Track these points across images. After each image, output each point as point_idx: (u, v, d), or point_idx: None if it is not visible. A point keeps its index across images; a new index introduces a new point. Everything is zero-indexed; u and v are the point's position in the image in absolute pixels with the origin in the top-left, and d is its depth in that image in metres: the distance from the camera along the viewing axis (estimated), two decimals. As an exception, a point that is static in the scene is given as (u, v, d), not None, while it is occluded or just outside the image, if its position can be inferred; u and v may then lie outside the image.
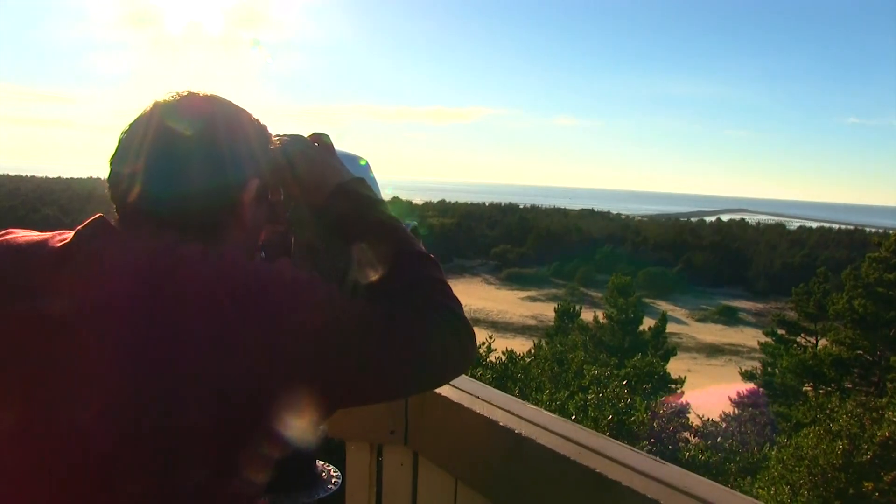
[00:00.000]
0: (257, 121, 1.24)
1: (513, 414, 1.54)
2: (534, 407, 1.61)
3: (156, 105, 1.15)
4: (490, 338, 12.95)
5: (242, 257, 1.14)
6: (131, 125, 1.15)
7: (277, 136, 1.35)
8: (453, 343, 1.18)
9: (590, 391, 14.24)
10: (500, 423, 1.50)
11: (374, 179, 1.52)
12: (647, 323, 34.94)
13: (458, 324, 1.20)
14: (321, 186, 1.35)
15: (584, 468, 1.33)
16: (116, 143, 1.16)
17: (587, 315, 37.33)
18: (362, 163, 1.56)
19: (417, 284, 1.23)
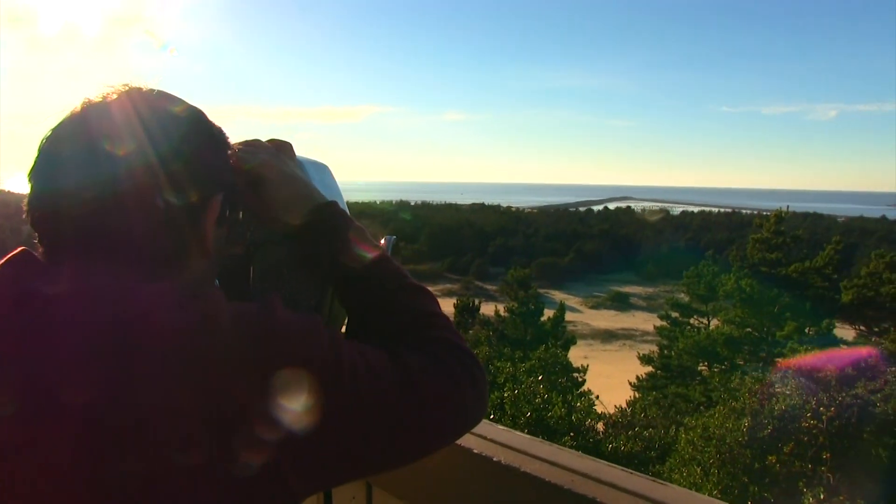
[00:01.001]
0: (212, 122, 1.05)
1: (484, 438, 1.36)
2: (503, 427, 1.44)
3: (87, 106, 0.95)
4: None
5: (221, 298, 0.90)
6: (55, 130, 0.93)
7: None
8: (474, 395, 1.04)
9: (505, 388, 14.08)
10: (475, 451, 1.32)
11: (337, 188, 1.35)
12: (546, 313, 35.25)
13: (475, 370, 1.05)
14: (292, 206, 1.16)
15: (580, 497, 1.18)
16: (36, 154, 0.93)
17: (486, 309, 37.42)
18: (323, 172, 1.34)
19: (424, 325, 1.09)
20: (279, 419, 0.82)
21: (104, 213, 0.90)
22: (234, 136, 1.12)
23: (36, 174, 0.93)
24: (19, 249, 0.92)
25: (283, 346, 0.86)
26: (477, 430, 1.33)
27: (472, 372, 1.03)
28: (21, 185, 0.95)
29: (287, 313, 0.91)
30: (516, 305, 34.66)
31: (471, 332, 31.95)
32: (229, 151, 1.07)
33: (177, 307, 0.85)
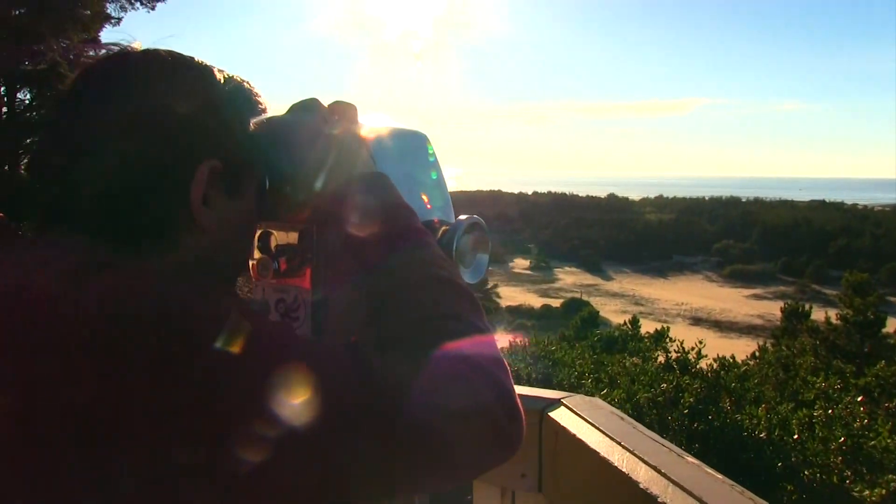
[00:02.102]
0: (233, 78, 0.97)
1: (660, 473, 1.18)
2: (694, 461, 1.25)
3: (82, 72, 0.90)
4: (700, 342, 12.57)
5: (192, 289, 0.77)
6: (61, 100, 0.90)
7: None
8: (481, 431, 0.80)
9: (816, 406, 13.03)
10: (641, 485, 1.16)
11: (429, 163, 1.15)
12: (892, 324, 32.05)
13: (488, 394, 0.80)
14: (355, 203, 0.97)
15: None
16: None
17: (819, 315, 34.97)
18: (429, 148, 1.14)
19: (432, 328, 0.85)
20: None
21: (70, 182, 0.83)
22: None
23: (37, 145, 0.92)
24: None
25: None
26: (652, 458, 1.23)
27: (479, 398, 0.79)
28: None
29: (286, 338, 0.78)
30: (851, 313, 32.01)
31: (798, 339, 30.23)
32: (246, 107, 0.97)
33: (65, 282, 0.72)
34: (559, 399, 1.59)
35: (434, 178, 1.13)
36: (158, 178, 0.85)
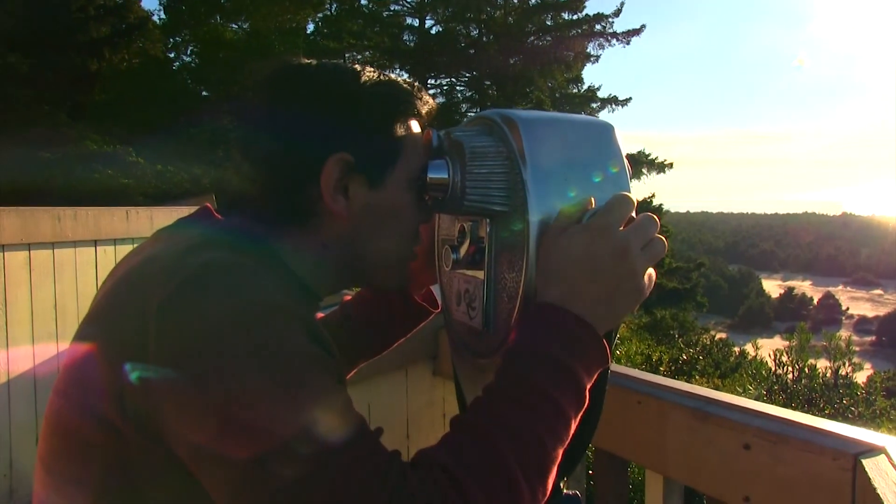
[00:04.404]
0: (380, 80, 1.02)
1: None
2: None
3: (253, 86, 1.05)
4: None
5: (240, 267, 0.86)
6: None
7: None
8: None
9: None
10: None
11: (612, 155, 1.03)
12: None
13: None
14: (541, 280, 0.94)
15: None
16: None
17: None
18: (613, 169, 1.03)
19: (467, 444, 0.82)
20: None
21: (242, 175, 1.01)
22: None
23: None
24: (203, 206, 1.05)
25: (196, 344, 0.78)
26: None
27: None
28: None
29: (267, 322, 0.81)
30: None
31: None
32: (389, 115, 1.01)
33: (180, 253, 0.87)
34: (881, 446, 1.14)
35: (614, 172, 1.02)
36: (294, 172, 0.96)
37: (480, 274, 1.06)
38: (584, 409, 0.88)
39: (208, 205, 1.04)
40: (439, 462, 0.78)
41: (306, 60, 1.03)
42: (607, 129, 1.04)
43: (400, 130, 1.01)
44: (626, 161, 1.02)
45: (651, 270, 0.94)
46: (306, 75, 1.00)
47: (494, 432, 0.80)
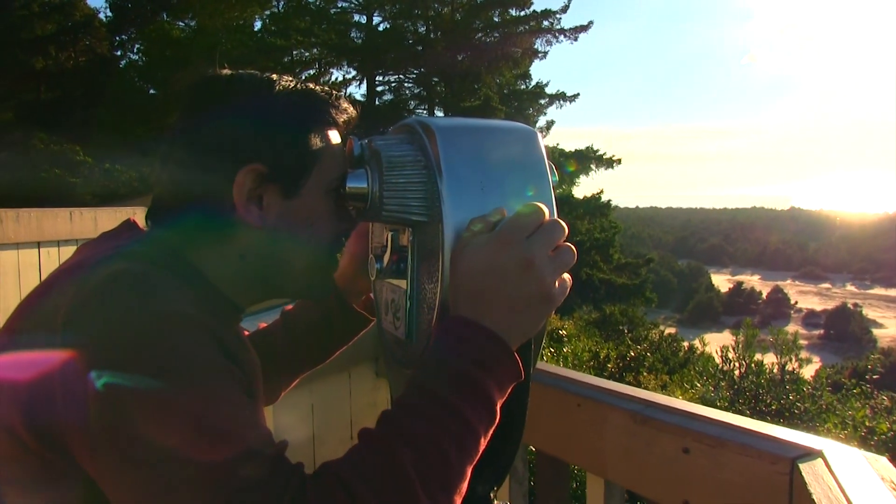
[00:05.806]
0: (295, 90, 1.03)
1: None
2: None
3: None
4: None
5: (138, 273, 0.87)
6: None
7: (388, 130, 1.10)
8: None
9: None
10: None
11: (533, 161, 1.03)
12: None
13: None
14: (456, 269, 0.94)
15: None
16: None
17: None
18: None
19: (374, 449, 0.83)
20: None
21: (159, 187, 1.03)
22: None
23: None
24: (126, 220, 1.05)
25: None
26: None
27: None
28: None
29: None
30: None
31: None
32: (304, 125, 1.01)
33: (92, 266, 0.89)
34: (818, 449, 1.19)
35: (535, 179, 1.02)
36: (207, 183, 0.97)
37: (405, 283, 1.05)
38: (496, 424, 0.88)
39: (132, 218, 1.06)
40: (338, 473, 0.79)
41: (224, 72, 1.03)
42: (529, 136, 1.04)
43: (315, 139, 1.01)
44: (550, 167, 1.02)
45: (566, 276, 0.94)
46: (220, 87, 1.01)
47: (395, 444, 0.81)
